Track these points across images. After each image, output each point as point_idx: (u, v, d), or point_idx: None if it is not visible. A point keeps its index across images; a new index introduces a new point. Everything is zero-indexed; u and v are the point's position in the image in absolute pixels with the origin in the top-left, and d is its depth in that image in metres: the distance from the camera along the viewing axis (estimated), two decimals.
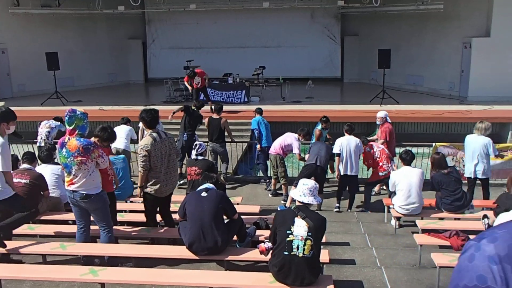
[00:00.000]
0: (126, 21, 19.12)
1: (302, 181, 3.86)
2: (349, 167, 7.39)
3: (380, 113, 8.42)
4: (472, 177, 6.87)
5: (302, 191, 3.73)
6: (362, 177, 8.15)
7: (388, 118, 8.40)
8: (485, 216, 5.27)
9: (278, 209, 7.15)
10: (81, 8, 16.74)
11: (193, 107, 9.04)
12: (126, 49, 19.93)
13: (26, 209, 4.68)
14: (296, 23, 18.68)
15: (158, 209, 5.32)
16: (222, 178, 7.86)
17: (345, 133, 7.52)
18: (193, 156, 6.43)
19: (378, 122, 8.39)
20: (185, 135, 8.70)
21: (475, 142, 6.79)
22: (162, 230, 5.17)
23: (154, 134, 4.98)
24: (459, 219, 5.93)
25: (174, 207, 5.41)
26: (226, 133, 8.92)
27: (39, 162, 6.16)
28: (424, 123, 12.87)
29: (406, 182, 6.00)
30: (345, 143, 7.39)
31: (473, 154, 6.79)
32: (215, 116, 8.83)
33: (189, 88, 12.62)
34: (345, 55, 18.97)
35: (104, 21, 18.62)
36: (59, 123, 8.93)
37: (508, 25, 13.50)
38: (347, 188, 7.63)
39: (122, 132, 8.57)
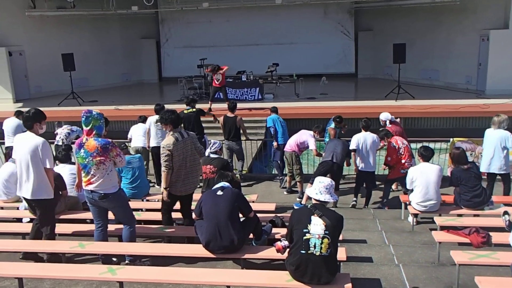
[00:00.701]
0: (139, 21, 19.27)
1: (318, 179, 3.82)
2: (366, 163, 7.34)
3: (381, 115, 8.16)
4: (488, 172, 6.75)
5: (319, 189, 3.71)
6: (378, 173, 8.06)
7: (388, 121, 7.97)
8: (505, 213, 5.15)
9: (294, 206, 7.13)
10: (95, 9, 16.91)
11: (185, 112, 8.53)
12: (140, 49, 20.09)
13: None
14: (309, 19, 18.55)
15: (180, 208, 5.32)
16: (237, 176, 7.87)
17: (362, 129, 7.45)
18: (208, 154, 6.44)
19: (382, 124, 8.08)
20: None
21: (492, 136, 6.70)
22: (178, 229, 5.19)
23: (176, 134, 5.01)
24: (478, 215, 5.83)
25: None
26: (241, 131, 8.91)
27: (56, 162, 6.26)
28: (441, 118, 12.67)
29: (423, 178, 5.92)
30: (362, 140, 7.33)
31: (490, 148, 6.68)
32: (229, 114, 8.83)
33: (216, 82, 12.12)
34: (359, 51, 18.78)
35: (117, 22, 18.80)
36: (80, 129, 9.15)
37: None
38: (364, 185, 7.57)
39: (140, 130, 8.65)
